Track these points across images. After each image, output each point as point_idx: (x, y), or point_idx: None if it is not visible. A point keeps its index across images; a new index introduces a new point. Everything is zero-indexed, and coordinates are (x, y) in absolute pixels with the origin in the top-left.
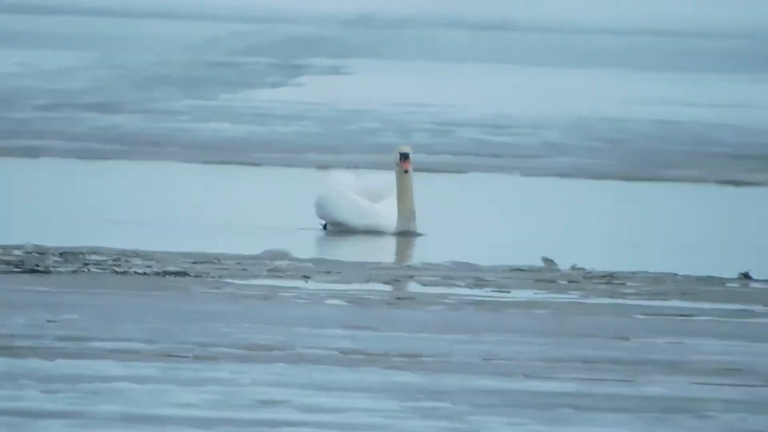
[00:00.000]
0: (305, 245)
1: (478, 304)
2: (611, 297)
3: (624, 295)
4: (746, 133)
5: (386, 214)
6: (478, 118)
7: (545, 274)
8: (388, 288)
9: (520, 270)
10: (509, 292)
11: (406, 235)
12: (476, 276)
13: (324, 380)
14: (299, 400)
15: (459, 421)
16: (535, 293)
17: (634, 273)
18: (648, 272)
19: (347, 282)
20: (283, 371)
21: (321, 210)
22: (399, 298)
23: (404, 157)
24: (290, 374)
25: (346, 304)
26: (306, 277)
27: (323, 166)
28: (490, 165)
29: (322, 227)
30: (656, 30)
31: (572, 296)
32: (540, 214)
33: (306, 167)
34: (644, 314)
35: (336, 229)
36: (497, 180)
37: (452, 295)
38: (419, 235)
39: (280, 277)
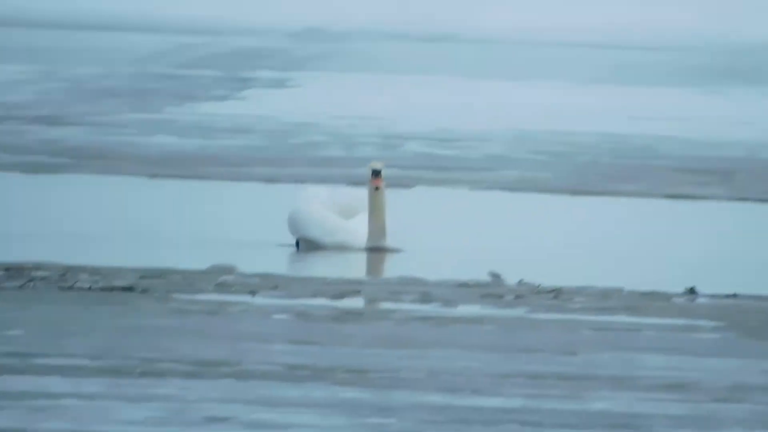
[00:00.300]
0: (252, 260)
1: (425, 319)
2: (558, 312)
3: (571, 310)
4: (693, 146)
5: (357, 230)
6: (424, 131)
7: (492, 289)
8: (334, 303)
9: (466, 285)
10: (456, 307)
11: (376, 251)
12: (423, 291)
13: (271, 396)
14: (246, 416)
15: None
16: (482, 308)
17: (580, 288)
18: (595, 287)
19: (294, 297)
20: (229, 387)
21: (292, 226)
22: (345, 313)
23: (375, 173)
24: (237, 390)
25: (293, 319)
26: (252, 292)
27: (270, 180)
28: (437, 178)
29: (294, 245)
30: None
31: (519, 311)
32: (486, 228)
33: (252, 180)
34: (591, 329)
35: (306, 245)
36: (443, 194)
37: (399, 310)
38: (389, 250)
39: (227, 292)
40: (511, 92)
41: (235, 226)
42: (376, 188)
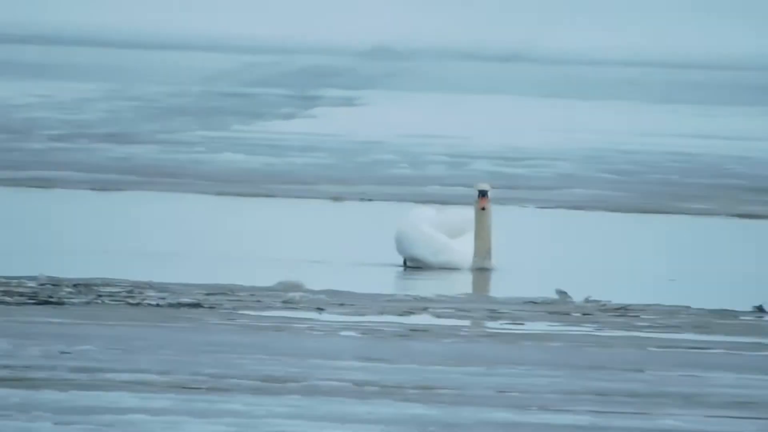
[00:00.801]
0: (319, 277)
1: (493, 336)
2: (625, 329)
3: (638, 328)
4: (762, 166)
5: (462, 250)
6: (492, 149)
7: (559, 307)
8: (401, 319)
9: (533, 302)
10: (523, 324)
11: (481, 272)
12: (490, 308)
13: (338, 412)
14: None
15: None
16: (549, 325)
17: (648, 305)
18: (662, 305)
19: (361, 314)
20: (297, 403)
21: (399, 246)
22: (413, 330)
23: (482, 194)
24: (305, 406)
25: (360, 335)
26: (320, 309)
27: (337, 198)
28: (505, 197)
29: (402, 264)
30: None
31: (586, 329)
32: (554, 246)
33: (320, 198)
34: (658, 347)
35: (413, 264)
36: (512, 212)
37: (466, 327)
38: (494, 271)
39: (294, 308)
40: (580, 111)
41: (303, 244)
42: (482, 208)
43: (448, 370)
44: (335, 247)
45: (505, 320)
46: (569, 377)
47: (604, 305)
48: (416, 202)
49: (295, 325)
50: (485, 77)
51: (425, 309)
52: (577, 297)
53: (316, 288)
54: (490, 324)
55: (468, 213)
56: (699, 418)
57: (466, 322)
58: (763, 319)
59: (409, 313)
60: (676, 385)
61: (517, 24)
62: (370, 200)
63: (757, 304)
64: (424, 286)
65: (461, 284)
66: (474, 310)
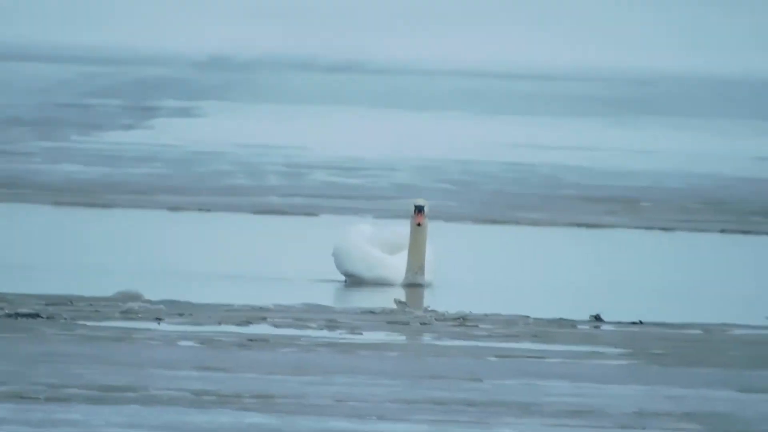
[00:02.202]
0: (157, 287)
1: (331, 345)
2: (464, 339)
3: (476, 337)
4: (597, 176)
5: (397, 265)
6: (329, 160)
7: (398, 316)
8: (240, 329)
9: (372, 312)
10: (362, 333)
11: (413, 287)
12: (328, 317)
13: (176, 422)
14: None
15: None
16: (388, 335)
17: (486, 315)
18: (500, 314)
19: (199, 324)
20: (135, 413)
21: (336, 261)
22: (251, 340)
23: (418, 209)
24: (143, 416)
25: (198, 345)
26: (158, 319)
27: (175, 208)
28: (342, 207)
29: (344, 281)
30: (505, 73)
31: (425, 338)
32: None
33: (157, 209)
34: (496, 356)
35: (351, 280)
36: (348, 222)
37: (304, 336)
38: (425, 287)
39: (132, 318)
40: (415, 122)
41: (139, 254)
42: (418, 224)
43: (287, 379)
44: (174, 258)
45: (344, 330)
46: (407, 386)
47: (443, 315)
48: (255, 213)
49: (134, 336)
50: (321, 88)
51: (264, 319)
52: (416, 307)
53: (155, 298)
54: (329, 333)
55: (405, 230)
56: (536, 427)
57: (305, 332)
58: (600, 327)
59: (248, 322)
60: (513, 394)
61: (353, 35)
62: (208, 210)
63: (594, 314)
64: (263, 296)
65: (331, 297)
66: (312, 320)
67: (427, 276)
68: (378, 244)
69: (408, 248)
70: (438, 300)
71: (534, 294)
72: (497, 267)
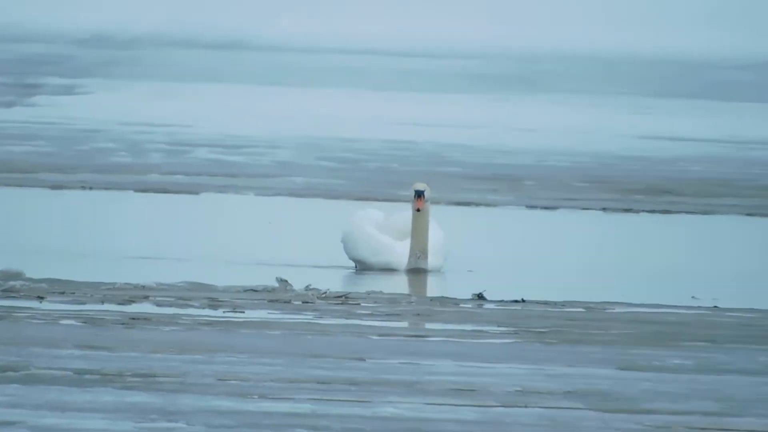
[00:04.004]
0: (40, 265)
1: (213, 324)
2: (346, 318)
3: (359, 316)
4: (481, 154)
5: (403, 251)
6: (212, 137)
7: (280, 294)
8: (122, 308)
9: (254, 290)
10: (243, 312)
11: (416, 272)
12: (210, 296)
13: (58, 401)
14: (33, 421)
15: None
16: (270, 313)
17: (368, 293)
18: (383, 293)
19: (81, 302)
20: (16, 392)
21: (345, 248)
22: (133, 319)
23: (417, 194)
24: (24, 395)
25: (81, 324)
26: (40, 297)
27: (56, 186)
28: (224, 185)
29: (354, 267)
30: (389, 51)
31: (307, 316)
32: (273, 233)
33: (39, 187)
34: (379, 335)
35: (360, 267)
36: (230, 200)
37: (187, 315)
38: (428, 271)
39: (14, 297)
40: (298, 100)
41: (24, 232)
42: (417, 209)
43: (169, 358)
44: (56, 236)
45: (226, 308)
46: (289, 365)
47: (325, 293)
48: (137, 190)
49: (15, 314)
50: (205, 66)
51: (146, 297)
52: (298, 285)
53: (37, 277)
54: (211, 312)
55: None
56: (419, 405)
57: (187, 311)
58: (483, 306)
59: (130, 301)
60: (396, 373)
61: (237, 12)
62: (90, 188)
63: (477, 292)
64: (145, 275)
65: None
66: (194, 299)
67: (433, 261)
68: (388, 230)
69: (411, 233)
70: (319, 279)
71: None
72: None
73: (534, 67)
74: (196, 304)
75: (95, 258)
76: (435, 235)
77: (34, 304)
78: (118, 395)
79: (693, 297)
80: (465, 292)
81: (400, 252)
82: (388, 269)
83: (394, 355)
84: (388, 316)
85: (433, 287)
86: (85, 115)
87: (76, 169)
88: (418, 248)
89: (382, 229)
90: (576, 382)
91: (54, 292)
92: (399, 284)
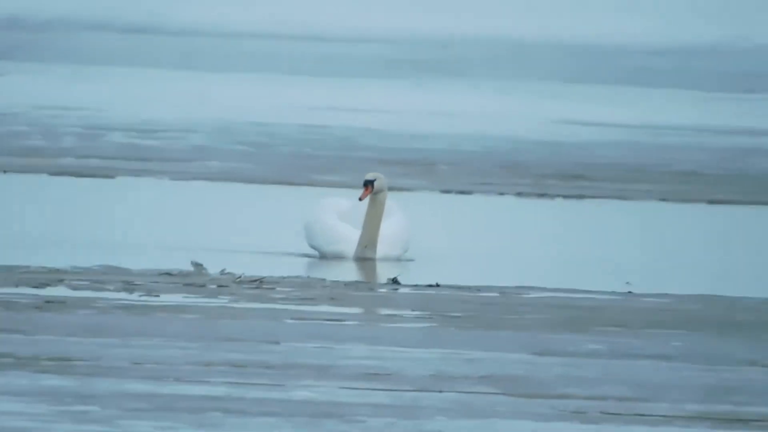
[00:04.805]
0: None
1: (128, 308)
2: (261, 302)
3: (273, 300)
4: (394, 139)
5: (355, 240)
6: (126, 121)
7: (195, 278)
8: (36, 291)
9: (169, 274)
10: (158, 296)
11: (362, 261)
12: (126, 280)
13: None
14: None
15: (109, 425)
16: (185, 297)
17: (283, 278)
18: (297, 277)
19: None
20: None
21: (306, 236)
22: (48, 302)
23: (365, 184)
24: None
25: None
26: None
27: None
28: (139, 169)
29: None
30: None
31: (222, 300)
32: (187, 217)
33: None
34: (294, 318)
35: (317, 254)
36: (145, 184)
37: (101, 299)
38: (372, 260)
39: None
40: (212, 84)
41: None
42: (360, 199)
43: (83, 342)
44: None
45: (141, 292)
46: (204, 349)
47: (240, 277)
48: (51, 174)
49: None
50: (119, 49)
51: (60, 281)
52: (213, 269)
53: None
54: (126, 295)
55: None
56: (333, 389)
57: (102, 294)
58: (398, 291)
59: (45, 284)
60: (310, 357)
61: None
62: (4, 172)
63: (391, 276)
64: (60, 258)
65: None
66: (109, 282)
67: (387, 250)
68: (353, 219)
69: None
70: (234, 263)
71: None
72: (292, 230)
73: (448, 52)
74: (111, 287)
75: (9, 241)
76: (395, 224)
77: None
78: (32, 378)
79: (627, 282)
80: (379, 277)
81: (354, 241)
82: (341, 258)
83: (309, 338)
84: (303, 300)
85: (348, 273)
86: None
87: None
88: (366, 238)
89: (346, 218)
90: (490, 366)
91: None
92: (316, 270)
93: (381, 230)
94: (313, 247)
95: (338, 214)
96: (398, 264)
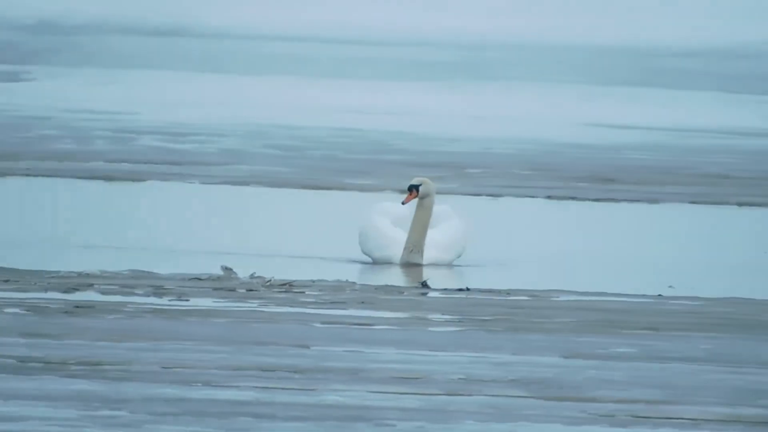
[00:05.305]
0: None
1: (157, 312)
2: (290, 305)
3: (303, 304)
4: (426, 142)
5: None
6: (157, 125)
7: (224, 283)
8: (66, 296)
9: (198, 278)
10: (188, 300)
11: (408, 266)
12: (155, 284)
13: (2, 388)
14: None
15: (138, 429)
16: (215, 301)
17: (313, 281)
18: (327, 281)
19: (25, 290)
20: None
21: (359, 241)
22: (77, 307)
23: (409, 189)
24: None
25: (24, 312)
26: None
27: (1, 173)
28: (169, 173)
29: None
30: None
31: (251, 305)
32: (217, 221)
33: None
34: (323, 323)
35: (371, 260)
36: (175, 188)
37: (131, 303)
38: (420, 265)
39: None
40: (243, 87)
41: None
42: (402, 203)
43: (113, 346)
44: (2, 224)
45: (170, 296)
46: (234, 353)
47: (269, 281)
48: (81, 178)
49: None
50: (149, 52)
51: (90, 285)
52: (243, 273)
53: None
54: (156, 300)
55: (438, 208)
56: (363, 393)
57: (131, 298)
58: (427, 295)
59: (74, 289)
60: (340, 361)
61: None
62: (34, 176)
63: (421, 280)
64: (90, 263)
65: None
66: (139, 287)
67: (438, 255)
68: (408, 224)
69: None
70: (263, 267)
71: (361, 261)
72: (322, 232)
73: (480, 55)
74: (140, 292)
75: (39, 246)
76: (450, 229)
77: None
78: (62, 383)
79: (670, 286)
80: (410, 280)
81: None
82: (390, 263)
83: (338, 342)
84: (333, 303)
85: (379, 276)
86: (30, 102)
87: (20, 156)
88: (411, 242)
89: (401, 224)
90: (520, 370)
91: None
92: (344, 273)
93: (434, 235)
94: (365, 253)
95: (393, 220)
96: (423, 267)
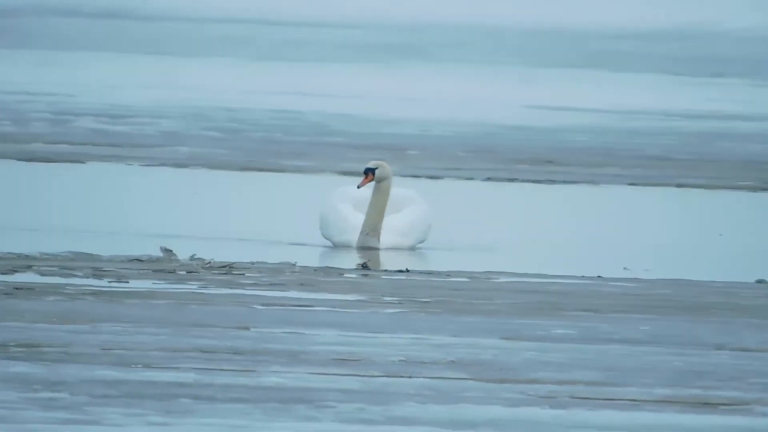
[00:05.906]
0: None
1: (97, 294)
2: (230, 287)
3: (243, 286)
4: (364, 124)
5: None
6: (96, 107)
7: (164, 264)
8: (5, 278)
9: (138, 260)
10: (128, 282)
11: (365, 250)
12: (95, 266)
13: None
14: None
15: (78, 411)
16: (154, 283)
17: (253, 263)
18: (267, 263)
19: None
20: None
21: (319, 226)
22: (16, 288)
23: (366, 172)
24: None
25: None
26: None
27: None
28: (109, 155)
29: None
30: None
31: (191, 286)
32: (157, 203)
33: None
34: (263, 304)
35: (331, 244)
36: (114, 170)
37: (71, 285)
38: (376, 249)
39: None
40: (182, 69)
41: None
42: (357, 186)
43: (52, 328)
44: None
45: (110, 278)
46: (173, 335)
47: (209, 263)
48: (20, 160)
49: None
50: (88, 34)
51: (29, 267)
52: (182, 255)
53: None
54: (95, 281)
55: (403, 191)
56: (303, 375)
57: (70, 280)
58: (367, 276)
59: (13, 271)
60: (280, 343)
61: None
62: None
63: (361, 262)
64: (28, 245)
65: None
66: (78, 268)
67: (397, 239)
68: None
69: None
70: (204, 249)
71: (301, 242)
72: (260, 214)
73: (420, 37)
74: (80, 273)
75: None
76: (411, 213)
77: None
78: (1, 365)
79: (625, 268)
80: (350, 262)
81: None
82: (348, 247)
83: (278, 324)
84: (273, 285)
85: (317, 258)
86: None
87: None
88: (368, 225)
89: (360, 207)
90: (460, 351)
91: None
92: (285, 255)
93: (394, 221)
94: (326, 237)
95: (354, 204)
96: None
